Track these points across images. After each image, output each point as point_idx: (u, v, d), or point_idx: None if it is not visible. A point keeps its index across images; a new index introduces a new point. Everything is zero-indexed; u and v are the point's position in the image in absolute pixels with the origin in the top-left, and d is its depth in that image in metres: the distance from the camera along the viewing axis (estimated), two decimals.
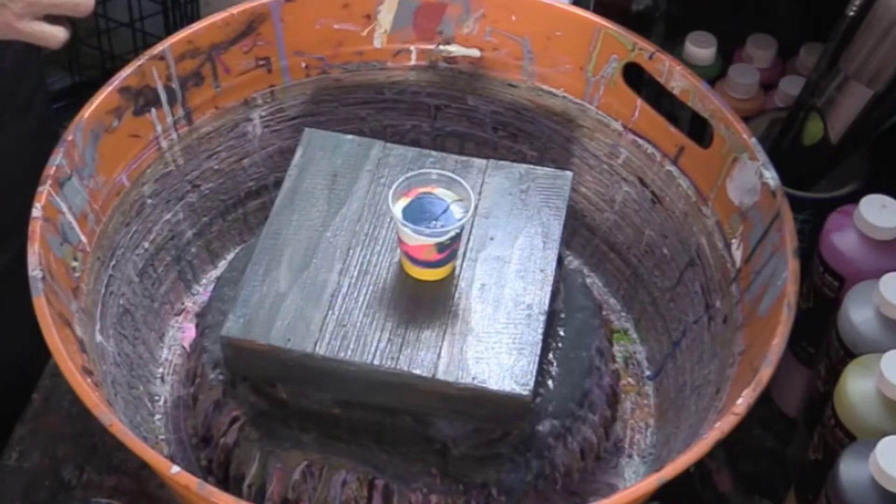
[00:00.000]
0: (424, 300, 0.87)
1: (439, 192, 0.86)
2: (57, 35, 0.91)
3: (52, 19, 0.91)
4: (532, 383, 0.83)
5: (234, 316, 0.86)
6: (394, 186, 0.86)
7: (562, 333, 0.93)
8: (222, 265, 1.06)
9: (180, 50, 0.99)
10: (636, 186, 1.04)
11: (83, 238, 0.91)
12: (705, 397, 0.89)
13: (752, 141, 0.93)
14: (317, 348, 0.84)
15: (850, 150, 1.00)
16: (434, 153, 0.97)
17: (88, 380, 0.80)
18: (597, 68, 1.03)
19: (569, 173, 0.97)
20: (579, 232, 1.09)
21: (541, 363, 0.86)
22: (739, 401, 0.78)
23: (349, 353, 0.84)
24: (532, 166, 0.97)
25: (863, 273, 0.90)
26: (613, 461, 0.96)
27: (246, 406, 0.89)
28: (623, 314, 1.07)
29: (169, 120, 1.00)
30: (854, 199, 0.92)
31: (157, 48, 0.98)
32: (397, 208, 0.85)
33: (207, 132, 1.04)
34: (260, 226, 0.94)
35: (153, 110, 0.99)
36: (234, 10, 1.01)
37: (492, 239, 0.91)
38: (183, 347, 1.01)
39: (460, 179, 0.86)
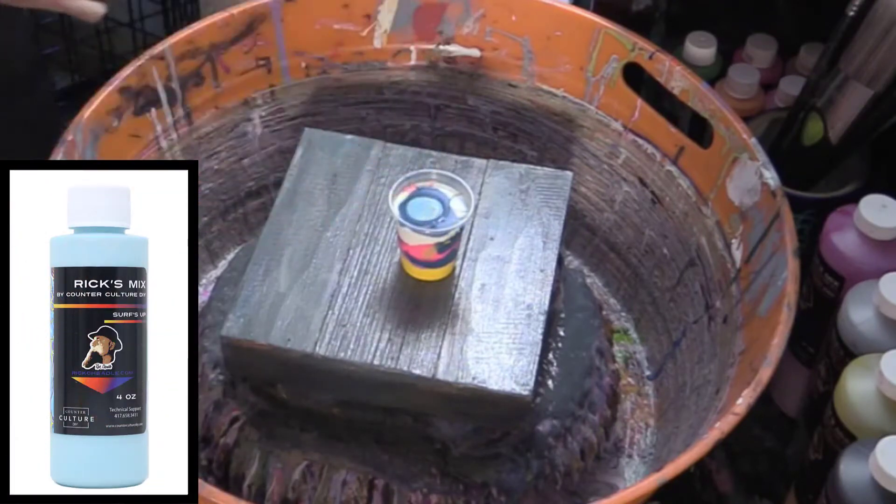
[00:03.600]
0: (424, 300, 0.87)
1: (439, 186, 0.86)
2: (95, 9, 0.90)
3: None
4: (532, 383, 0.83)
5: (233, 316, 0.86)
6: (393, 186, 0.86)
7: (562, 333, 0.93)
8: (222, 265, 1.06)
9: (180, 50, 0.99)
10: (636, 186, 1.04)
11: None
12: (705, 397, 0.89)
13: (752, 141, 0.93)
14: (317, 348, 0.84)
15: (850, 150, 1.00)
16: (434, 153, 0.97)
17: None
18: (597, 68, 1.03)
19: (569, 173, 0.97)
20: (579, 232, 1.09)
21: (541, 363, 0.86)
22: (739, 401, 0.78)
23: (349, 353, 0.84)
24: (532, 166, 0.97)
25: (863, 273, 0.90)
26: (613, 461, 0.96)
27: (246, 406, 0.89)
28: (623, 314, 1.07)
29: (169, 120, 1.00)
30: (854, 199, 0.92)
31: (158, 48, 0.98)
32: (396, 205, 0.85)
33: (207, 132, 1.04)
34: (260, 226, 0.94)
35: (153, 110, 0.99)
36: (234, 10, 1.01)
37: (492, 239, 0.91)
38: None
39: (460, 179, 0.86)
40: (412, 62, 1.08)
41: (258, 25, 1.02)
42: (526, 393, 0.82)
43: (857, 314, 0.87)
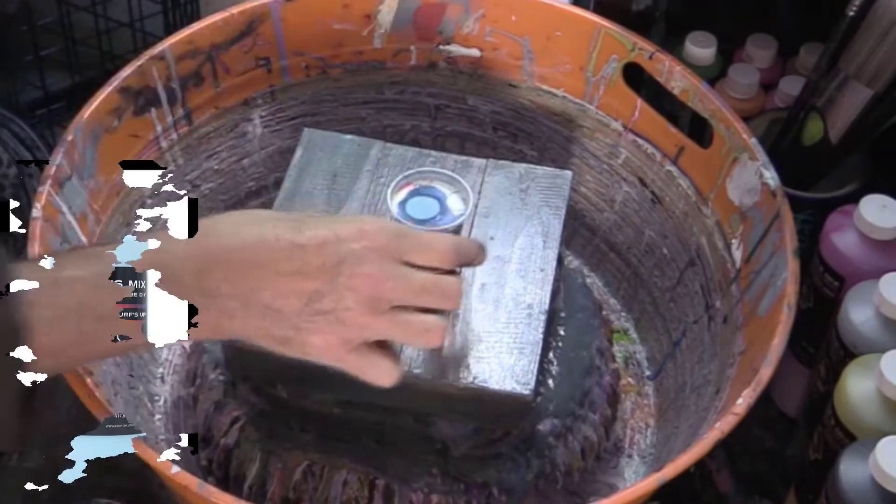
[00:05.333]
0: None
1: (437, 185, 0.86)
2: (391, 372, 0.76)
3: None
4: (533, 383, 0.82)
5: None
6: (392, 185, 0.86)
7: (562, 333, 0.93)
8: None
9: (180, 50, 0.99)
10: (636, 186, 1.04)
11: (83, 238, 0.91)
12: (705, 397, 0.89)
13: (752, 141, 0.93)
14: None
15: (850, 150, 1.00)
16: (434, 153, 0.97)
17: (88, 380, 0.80)
18: (597, 68, 1.03)
19: (568, 173, 0.97)
20: (579, 232, 1.09)
21: (541, 362, 0.86)
22: (739, 401, 0.78)
23: None
24: (532, 166, 0.97)
25: (863, 273, 0.90)
26: (613, 461, 0.96)
27: (246, 406, 0.89)
28: (623, 314, 1.07)
29: (169, 120, 1.00)
30: (854, 199, 0.92)
31: (157, 48, 0.98)
32: (395, 203, 0.85)
33: (207, 132, 1.04)
34: None
35: (153, 110, 0.99)
36: (234, 10, 1.01)
37: (492, 238, 0.91)
38: (183, 347, 1.01)
39: (459, 178, 0.86)
40: (412, 62, 1.08)
41: (258, 25, 1.02)
42: (527, 392, 0.82)
43: (857, 314, 0.87)
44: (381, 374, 0.75)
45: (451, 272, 0.77)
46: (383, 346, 0.76)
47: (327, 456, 0.86)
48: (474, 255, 0.78)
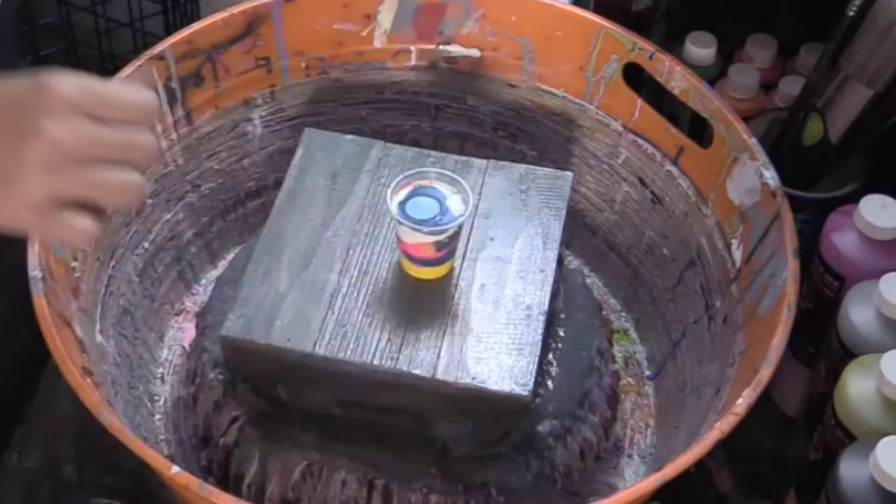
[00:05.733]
0: (424, 300, 0.87)
1: (437, 185, 0.87)
2: (86, 229, 0.68)
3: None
4: (531, 383, 0.82)
5: (233, 315, 0.86)
6: (392, 185, 0.86)
7: (562, 333, 0.93)
8: (222, 265, 1.06)
9: (180, 50, 0.99)
10: (636, 186, 1.04)
11: None
12: (705, 397, 0.89)
13: (752, 141, 0.93)
14: (316, 348, 0.84)
15: (850, 150, 1.00)
16: (434, 153, 0.97)
17: (88, 380, 0.80)
18: (597, 68, 1.03)
19: (569, 174, 0.97)
20: (579, 232, 1.09)
21: (540, 363, 0.86)
22: (739, 401, 0.78)
23: (349, 353, 0.84)
24: (532, 166, 0.97)
25: (863, 273, 0.90)
26: (613, 461, 0.96)
27: (246, 406, 0.89)
28: (623, 314, 1.07)
29: (169, 120, 1.00)
30: (854, 199, 0.92)
31: (157, 48, 0.98)
32: (395, 203, 0.85)
33: (207, 132, 1.04)
34: (260, 226, 0.94)
35: None
36: (234, 10, 1.01)
37: (492, 239, 0.91)
38: (183, 347, 1.01)
39: (459, 178, 0.86)
40: (412, 62, 1.08)
41: (258, 25, 1.02)
42: (525, 393, 0.82)
43: (857, 314, 0.87)
44: (74, 233, 0.68)
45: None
46: (91, 208, 0.68)
47: (326, 456, 0.87)
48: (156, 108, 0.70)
